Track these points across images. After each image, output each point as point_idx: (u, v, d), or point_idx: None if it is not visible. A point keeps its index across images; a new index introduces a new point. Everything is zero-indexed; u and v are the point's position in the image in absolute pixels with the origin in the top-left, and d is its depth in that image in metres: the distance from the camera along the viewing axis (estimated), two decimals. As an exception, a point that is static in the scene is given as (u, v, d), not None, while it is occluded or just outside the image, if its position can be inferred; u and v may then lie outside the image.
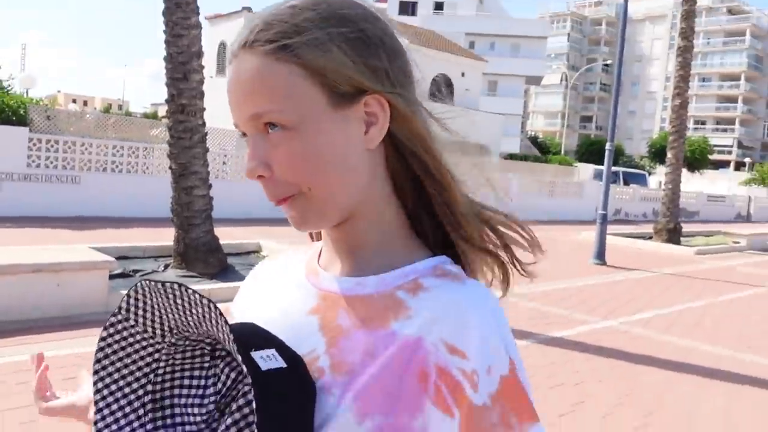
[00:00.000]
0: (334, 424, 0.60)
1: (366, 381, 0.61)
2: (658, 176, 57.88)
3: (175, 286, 0.57)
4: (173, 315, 0.60)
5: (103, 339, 0.63)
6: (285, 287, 0.76)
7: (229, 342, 0.56)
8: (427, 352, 0.61)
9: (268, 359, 0.57)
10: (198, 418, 0.65)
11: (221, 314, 0.55)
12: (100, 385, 0.64)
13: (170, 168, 7.12)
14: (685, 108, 15.59)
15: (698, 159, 44.58)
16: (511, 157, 33.49)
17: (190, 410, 0.65)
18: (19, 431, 3.17)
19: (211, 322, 0.57)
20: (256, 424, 0.53)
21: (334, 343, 0.65)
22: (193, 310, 0.58)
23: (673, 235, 15.26)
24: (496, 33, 46.82)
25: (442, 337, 0.61)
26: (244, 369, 0.54)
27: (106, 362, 0.63)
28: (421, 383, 0.60)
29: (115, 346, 0.63)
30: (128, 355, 0.64)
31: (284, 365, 0.58)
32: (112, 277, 6.07)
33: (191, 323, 0.60)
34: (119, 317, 0.62)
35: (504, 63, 44.78)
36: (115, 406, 0.64)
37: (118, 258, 6.44)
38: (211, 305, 0.55)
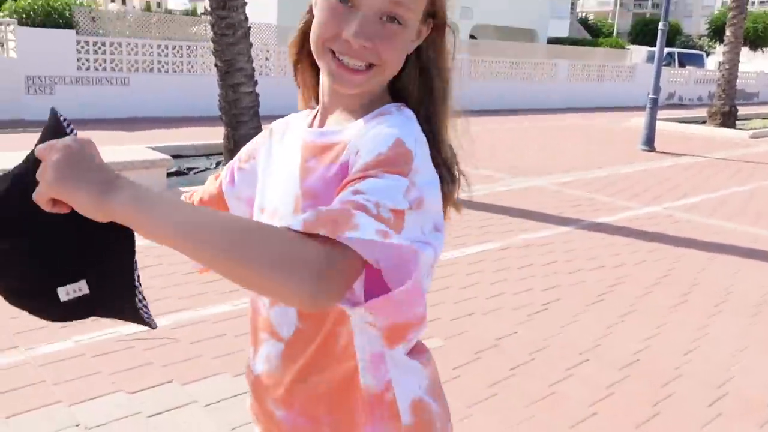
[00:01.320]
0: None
1: (313, 182, 0.89)
2: (717, 57, 54.88)
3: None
4: None
5: None
6: (288, 141, 1.00)
7: None
8: (347, 151, 0.86)
9: None
10: None
11: None
12: None
13: (216, 65, 7.21)
14: (749, -20, 14.58)
15: (761, 36, 41.80)
16: (559, 41, 32.08)
17: None
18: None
19: None
20: None
21: (304, 179, 0.91)
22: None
23: (728, 119, 14.77)
24: None
25: (355, 141, 0.85)
26: None
27: None
28: (339, 175, 0.84)
29: None
30: None
31: None
32: (169, 174, 6.39)
33: None
34: None
35: (553, -61, 41.93)
36: None
37: (173, 156, 6.73)
38: None
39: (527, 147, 10.64)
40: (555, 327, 3.60)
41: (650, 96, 10.77)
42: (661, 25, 10.60)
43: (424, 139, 0.86)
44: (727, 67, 14.84)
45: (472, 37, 28.40)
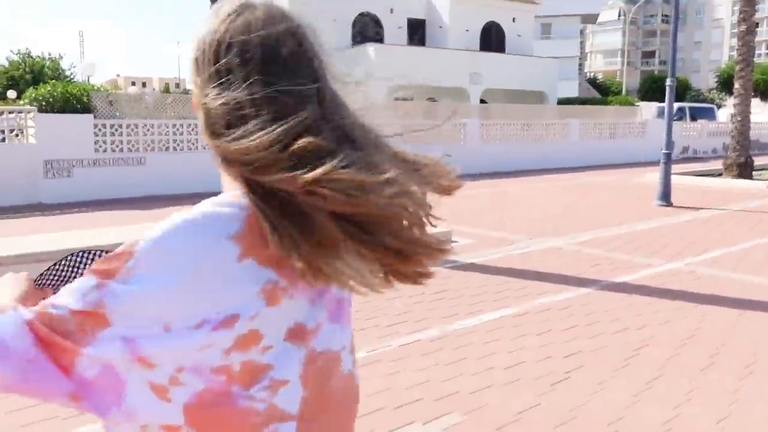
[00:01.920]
0: None
1: None
2: (728, 108, 55.17)
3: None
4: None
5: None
6: None
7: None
8: None
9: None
10: None
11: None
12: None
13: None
14: (753, 33, 14.77)
15: (772, 86, 42.01)
16: (569, 101, 32.52)
17: None
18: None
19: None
20: None
21: None
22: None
23: (744, 170, 14.65)
24: (547, -28, 45.09)
25: None
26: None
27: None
28: None
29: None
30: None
31: None
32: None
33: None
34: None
35: (557, 3, 43.17)
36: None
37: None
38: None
39: (543, 207, 10.58)
40: (579, 397, 3.43)
41: (663, 151, 10.73)
42: (669, 81, 10.67)
43: (191, 246, 0.73)
44: (739, 119, 14.84)
45: (482, 101, 28.93)
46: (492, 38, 31.47)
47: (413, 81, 27.34)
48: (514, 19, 32.56)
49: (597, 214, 9.82)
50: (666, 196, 10.65)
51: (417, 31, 30.77)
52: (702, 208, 10.46)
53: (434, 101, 27.73)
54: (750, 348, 4.20)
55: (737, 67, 14.86)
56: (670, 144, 10.73)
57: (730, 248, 7.36)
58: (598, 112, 21.62)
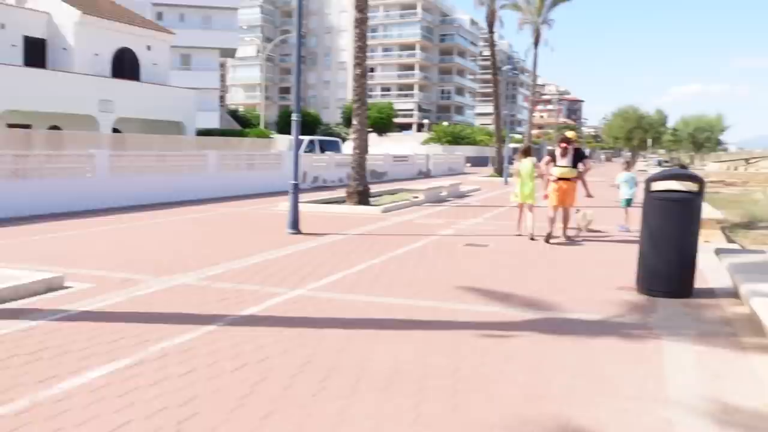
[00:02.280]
0: None
1: None
2: (352, 142, 62.22)
3: None
4: None
5: None
6: None
7: None
8: None
9: None
10: None
11: None
12: None
13: None
14: (365, 76, 16.73)
15: (385, 123, 48.83)
16: (209, 132, 32.70)
17: None
18: None
19: None
20: None
21: None
22: None
23: (363, 197, 16.43)
24: (185, 4, 44.93)
25: None
26: None
27: None
28: None
29: None
30: None
31: None
32: None
33: None
34: None
35: (196, 35, 43.26)
36: None
37: None
38: None
39: (174, 242, 10.19)
40: (187, 450, 3.19)
41: (291, 182, 11.33)
42: (294, 117, 11.36)
43: None
44: (357, 151, 16.60)
45: (116, 130, 27.16)
46: (125, 65, 29.92)
47: (32, 106, 24.31)
48: (149, 47, 31.49)
49: (230, 246, 9.84)
50: (295, 224, 11.25)
51: (36, 52, 27.53)
52: (327, 234, 11.32)
53: (59, 129, 25.07)
54: (356, 367, 4.50)
55: (354, 105, 16.67)
56: (297, 174, 11.40)
57: (349, 270, 8.02)
58: (236, 144, 22.09)
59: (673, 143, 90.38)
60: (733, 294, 6.65)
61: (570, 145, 10.57)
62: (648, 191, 6.67)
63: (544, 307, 6.25)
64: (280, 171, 22.23)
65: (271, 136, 27.31)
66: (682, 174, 6.87)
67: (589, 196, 11.57)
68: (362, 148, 16.56)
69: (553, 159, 10.64)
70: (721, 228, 13.10)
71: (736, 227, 21.12)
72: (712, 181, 56.25)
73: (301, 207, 15.04)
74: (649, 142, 78.98)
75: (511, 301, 6.50)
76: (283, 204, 14.95)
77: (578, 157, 10.67)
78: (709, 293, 6.76)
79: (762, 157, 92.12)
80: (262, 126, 41.19)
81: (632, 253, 9.22)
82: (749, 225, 22.88)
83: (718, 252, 6.75)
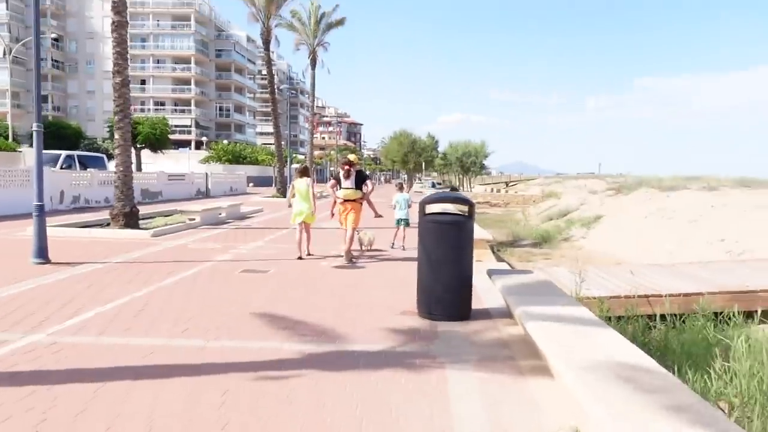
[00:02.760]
0: None
1: None
2: (124, 158, 57.59)
3: None
4: None
5: None
6: None
7: None
8: None
9: None
10: None
11: None
12: None
13: None
14: (127, 86, 15.20)
15: (159, 139, 45.79)
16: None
17: None
18: None
19: None
20: None
21: None
22: None
23: (131, 219, 14.87)
24: None
25: None
26: None
27: None
28: None
29: None
30: None
31: None
32: None
33: None
34: None
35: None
36: None
37: None
38: None
39: None
40: None
41: (35, 203, 9.69)
42: (35, 127, 9.73)
43: None
44: (121, 168, 14.98)
45: None
46: None
47: None
48: None
49: (-47, 281, 8.06)
50: (42, 252, 9.64)
51: None
52: (83, 263, 9.87)
53: None
54: (102, 429, 3.65)
55: (116, 118, 15.04)
56: (41, 194, 9.78)
57: (103, 307, 6.90)
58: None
59: (443, 167, 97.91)
60: (507, 314, 6.86)
61: (353, 168, 10.85)
62: (422, 214, 6.63)
63: (326, 339, 5.84)
64: (31, 189, 19.47)
65: (19, 149, 23.85)
66: (454, 197, 6.98)
67: (378, 216, 12.08)
68: (126, 164, 15.01)
69: (338, 181, 10.89)
70: (490, 246, 14.02)
71: (503, 245, 23.13)
72: (479, 202, 61.93)
73: (55, 231, 13.23)
74: (423, 165, 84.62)
75: (290, 334, 5.99)
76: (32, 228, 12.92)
77: (360, 178, 10.94)
78: (486, 314, 6.90)
79: (519, 181, 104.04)
80: (11, 138, 36.06)
81: (411, 272, 9.30)
82: (513, 243, 25.26)
83: (491, 273, 6.94)
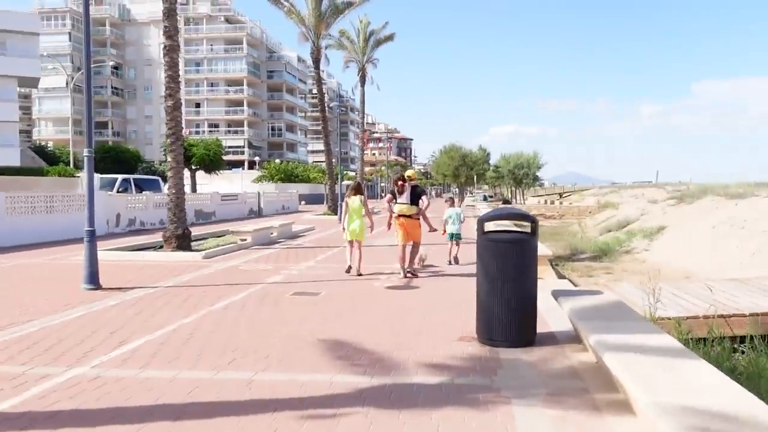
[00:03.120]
0: None
1: None
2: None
3: None
4: None
5: None
6: None
7: None
8: None
9: None
10: None
11: None
12: None
13: None
14: (179, 109, 15.26)
15: (213, 160, 46.58)
16: (8, 171, 28.78)
17: None
18: None
19: None
20: None
21: None
22: None
23: (183, 241, 14.85)
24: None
25: None
26: None
27: None
28: None
29: None
30: None
31: None
32: None
33: None
34: None
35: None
36: None
37: None
38: None
39: (-71, 308, 8.11)
40: None
41: (86, 228, 9.62)
42: (86, 152, 9.70)
43: None
44: (174, 191, 15.01)
45: None
46: None
47: None
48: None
49: (10, 308, 8.02)
50: (93, 278, 9.56)
51: None
52: (134, 288, 9.76)
53: None
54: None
55: (168, 141, 15.12)
56: (92, 219, 9.70)
57: (152, 335, 6.67)
58: (32, 184, 19.32)
59: (495, 179, 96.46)
60: (575, 338, 6.32)
61: (406, 183, 10.97)
62: (481, 232, 6.16)
63: (380, 369, 5.42)
64: (87, 213, 19.86)
65: (77, 175, 24.45)
66: (515, 213, 6.50)
67: (432, 230, 11.91)
68: (179, 186, 15.03)
69: (394, 196, 11.01)
70: (548, 262, 13.39)
71: (560, 259, 22.28)
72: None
73: (108, 255, 13.28)
74: (475, 178, 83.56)
75: (343, 364, 5.60)
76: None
77: (416, 194, 10.96)
78: (551, 339, 6.37)
79: (573, 192, 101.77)
80: (72, 164, 37.26)
81: (468, 290, 8.81)
82: (571, 257, 24.35)
83: (557, 295, 6.40)
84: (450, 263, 12.61)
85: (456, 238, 12.99)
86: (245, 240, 16.75)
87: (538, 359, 5.66)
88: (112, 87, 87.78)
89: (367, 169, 77.22)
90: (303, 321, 7.37)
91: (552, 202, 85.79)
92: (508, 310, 5.93)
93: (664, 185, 68.49)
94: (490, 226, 6.29)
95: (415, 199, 10.87)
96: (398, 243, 10.94)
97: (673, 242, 23.29)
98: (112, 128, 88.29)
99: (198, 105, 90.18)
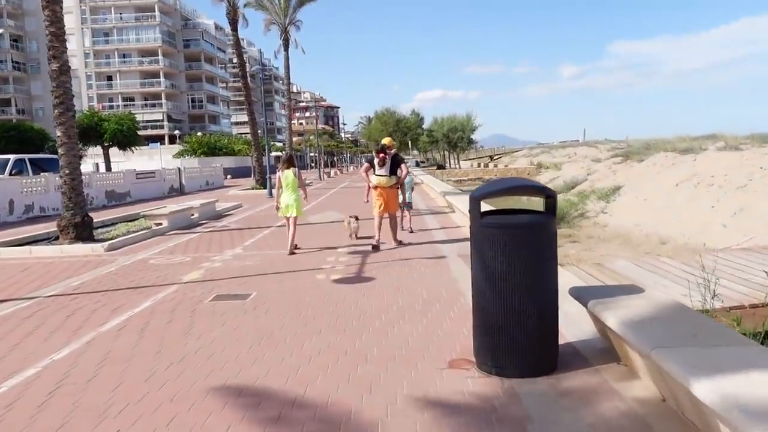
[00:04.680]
0: None
1: None
2: (94, 158, 54.50)
3: None
4: None
5: None
6: None
7: None
8: None
9: None
10: None
11: None
12: None
13: None
14: (67, 74, 12.66)
15: (128, 136, 42.84)
16: None
17: None
18: None
19: None
20: None
21: None
22: None
23: (83, 230, 12.41)
24: None
25: None
26: None
27: None
28: None
29: None
30: None
31: None
32: None
33: None
34: None
35: None
36: None
37: None
38: None
39: None
40: None
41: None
42: None
43: None
44: (67, 171, 12.48)
45: None
46: None
47: None
48: None
49: None
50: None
51: None
52: (11, 300, 7.46)
53: None
54: None
55: (56, 112, 12.49)
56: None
57: (18, 377, 4.53)
58: None
59: (429, 144, 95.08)
60: (604, 352, 4.61)
61: (387, 154, 10.41)
62: (477, 215, 4.28)
63: (345, 435, 3.52)
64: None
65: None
66: (524, 185, 4.66)
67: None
68: (73, 166, 12.53)
69: (372, 167, 10.53)
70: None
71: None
72: (471, 179, 59.67)
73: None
74: (409, 143, 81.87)
75: (279, 427, 3.67)
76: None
77: (395, 162, 10.53)
78: (576, 356, 4.60)
79: (503, 154, 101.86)
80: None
81: (435, 279, 7.03)
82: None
83: (581, 296, 4.62)
84: (411, 231, 12.32)
85: (408, 207, 12.52)
86: (160, 224, 14.39)
87: (577, 399, 3.87)
88: (12, 61, 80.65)
89: (295, 139, 74.21)
90: (223, 348, 5.29)
91: (486, 165, 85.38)
92: (519, 323, 4.12)
93: (594, 143, 68.92)
94: (490, 204, 4.42)
95: (394, 169, 10.50)
96: (375, 214, 10.50)
97: (634, 204, 22.11)
98: (16, 105, 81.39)
99: (110, 78, 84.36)
